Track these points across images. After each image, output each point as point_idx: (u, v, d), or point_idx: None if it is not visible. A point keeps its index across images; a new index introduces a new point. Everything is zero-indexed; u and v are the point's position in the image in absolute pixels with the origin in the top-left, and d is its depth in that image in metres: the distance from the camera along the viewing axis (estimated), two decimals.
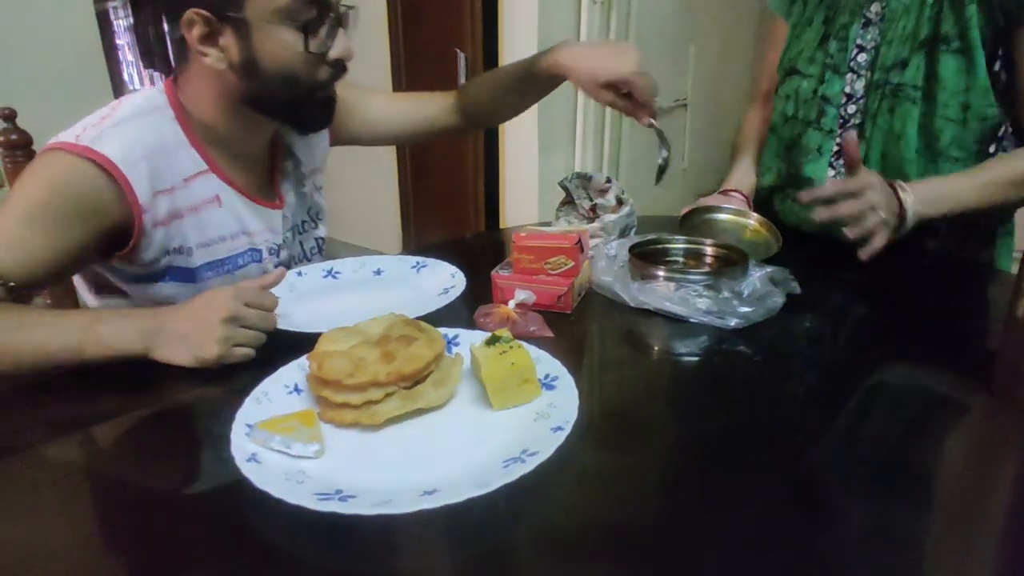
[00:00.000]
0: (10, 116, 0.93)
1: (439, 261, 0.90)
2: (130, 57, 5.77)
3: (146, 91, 0.80)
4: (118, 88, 3.30)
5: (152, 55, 5.25)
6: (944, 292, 0.90)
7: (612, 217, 0.91)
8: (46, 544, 0.44)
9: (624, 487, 0.49)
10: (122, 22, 5.41)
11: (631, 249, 0.84)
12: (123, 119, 0.75)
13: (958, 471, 0.50)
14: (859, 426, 0.56)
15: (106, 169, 0.71)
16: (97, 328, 0.64)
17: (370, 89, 1.05)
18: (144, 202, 0.74)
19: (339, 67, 0.80)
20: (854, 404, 0.60)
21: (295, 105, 0.80)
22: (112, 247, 0.76)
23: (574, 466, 0.50)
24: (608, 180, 0.93)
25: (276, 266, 0.91)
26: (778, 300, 0.74)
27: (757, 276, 0.76)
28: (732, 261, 0.83)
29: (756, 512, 0.45)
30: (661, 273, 0.77)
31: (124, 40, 5.68)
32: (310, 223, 0.99)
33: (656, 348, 0.73)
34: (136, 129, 0.75)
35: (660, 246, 0.88)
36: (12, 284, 0.68)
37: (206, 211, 0.81)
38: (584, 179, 0.95)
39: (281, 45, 0.73)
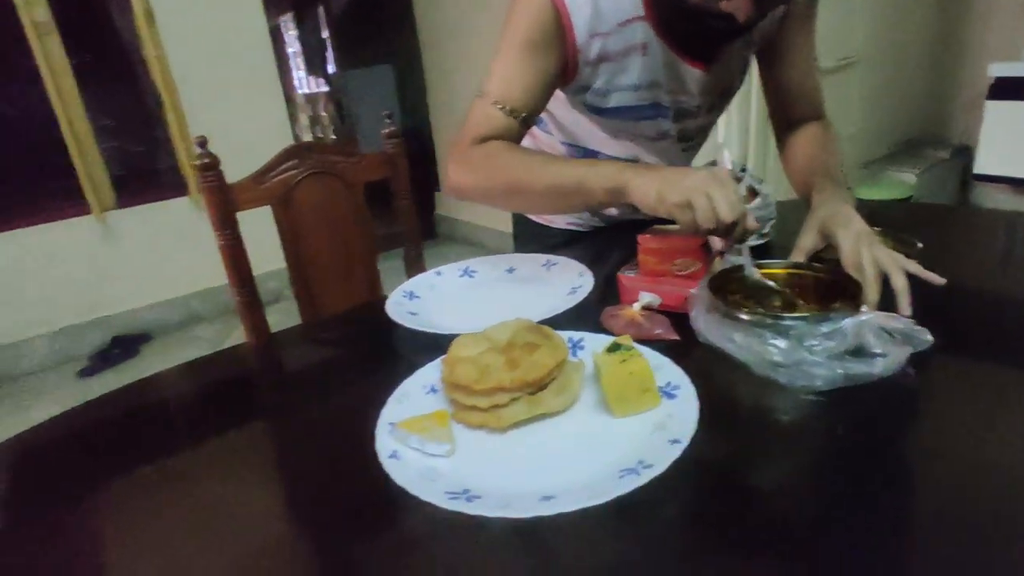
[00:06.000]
0: (203, 143, 1.09)
1: (568, 259, 0.92)
2: (300, 65, 6.39)
3: None
4: (288, 93, 3.68)
5: (315, 61, 5.79)
6: None
7: None
8: (216, 521, 0.53)
9: (730, 513, 0.47)
10: (293, 34, 6.01)
11: (711, 282, 0.69)
12: None
13: None
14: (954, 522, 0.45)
15: (556, 6, 0.81)
16: (596, 167, 0.79)
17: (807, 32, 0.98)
18: (581, 43, 0.83)
19: (716, 17, 0.74)
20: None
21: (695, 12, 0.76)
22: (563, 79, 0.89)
23: (687, 482, 0.49)
24: (743, 169, 0.89)
25: (676, 131, 0.97)
26: (900, 355, 0.59)
27: (873, 322, 0.60)
28: (844, 294, 0.67)
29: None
30: (744, 316, 0.63)
31: (292, 49, 6.31)
32: (716, 99, 0.98)
33: None
34: None
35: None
36: (524, 115, 0.86)
37: (631, 57, 0.86)
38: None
39: None
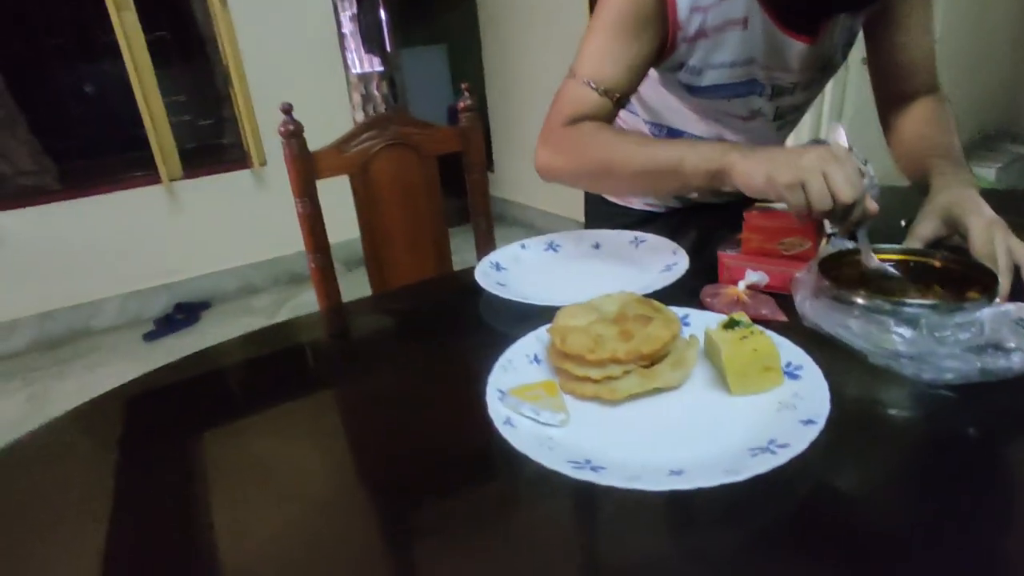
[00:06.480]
0: (287, 110, 1.10)
1: (658, 237, 0.89)
2: (352, 44, 6.45)
3: None
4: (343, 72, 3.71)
5: (371, 40, 5.82)
6: None
7: None
8: (320, 488, 0.53)
9: (868, 498, 0.45)
10: (348, 13, 6.05)
11: (821, 265, 0.66)
12: None
13: None
14: None
15: None
16: (695, 148, 0.74)
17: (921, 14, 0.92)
18: (682, 19, 0.80)
19: None
20: None
21: None
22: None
23: (820, 465, 0.47)
24: (850, 149, 0.84)
25: (771, 110, 0.93)
26: None
27: (1012, 314, 0.56)
28: (971, 284, 0.63)
29: None
30: (862, 302, 0.60)
31: (347, 29, 6.35)
32: (815, 74, 0.92)
33: None
34: None
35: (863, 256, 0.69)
36: (618, 95, 0.84)
37: (728, 32, 0.82)
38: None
39: None
